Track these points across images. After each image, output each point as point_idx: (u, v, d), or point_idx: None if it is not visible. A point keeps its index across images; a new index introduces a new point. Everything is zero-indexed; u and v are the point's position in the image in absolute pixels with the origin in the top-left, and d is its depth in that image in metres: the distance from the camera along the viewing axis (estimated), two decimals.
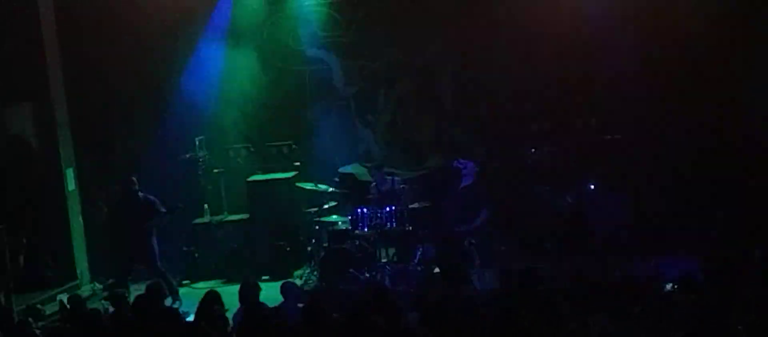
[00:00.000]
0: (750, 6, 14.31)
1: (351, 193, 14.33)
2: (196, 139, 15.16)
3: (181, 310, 11.51)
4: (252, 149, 15.54)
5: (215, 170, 15.22)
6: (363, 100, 16.22)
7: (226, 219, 15.00)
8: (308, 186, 14.12)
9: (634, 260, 12.70)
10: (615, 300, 8.56)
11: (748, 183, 13.99)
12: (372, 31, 15.76)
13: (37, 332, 9.74)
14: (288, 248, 14.41)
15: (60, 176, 14.24)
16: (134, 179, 13.49)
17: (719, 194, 14.53)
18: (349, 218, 13.37)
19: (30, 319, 10.37)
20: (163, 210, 13.37)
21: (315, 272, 13.40)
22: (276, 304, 10.51)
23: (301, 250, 14.47)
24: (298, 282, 13.09)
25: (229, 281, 14.08)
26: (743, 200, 13.86)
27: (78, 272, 14.34)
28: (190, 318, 9.99)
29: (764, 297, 8.36)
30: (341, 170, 15.44)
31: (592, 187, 13.40)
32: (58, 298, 13.07)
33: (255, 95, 15.71)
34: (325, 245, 13.54)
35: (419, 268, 13.12)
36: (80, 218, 14.60)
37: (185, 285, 14.38)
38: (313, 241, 13.79)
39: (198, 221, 15.01)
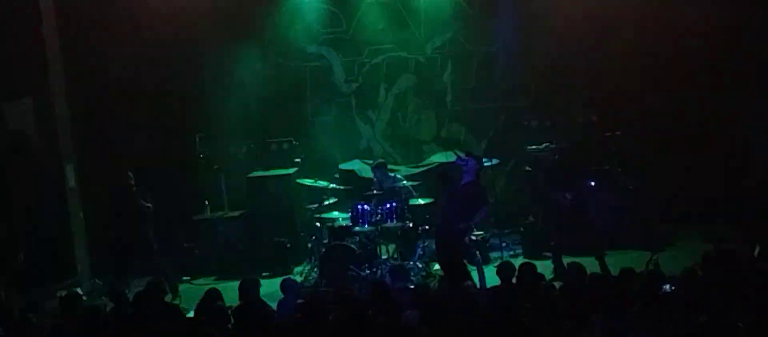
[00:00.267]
0: (749, 4, 14.31)
1: (352, 189, 14.31)
2: (197, 135, 15.15)
3: (181, 306, 11.49)
4: (252, 145, 15.53)
5: (215, 167, 15.21)
6: (363, 96, 16.22)
7: (227, 215, 14.98)
8: (308, 182, 14.12)
9: (632, 256, 12.75)
10: (615, 297, 8.54)
11: (747, 180, 14.00)
12: (372, 27, 15.77)
13: (37, 330, 9.72)
14: (288, 245, 14.41)
15: (60, 171, 14.23)
16: (130, 174, 13.48)
17: (719, 191, 14.56)
18: (350, 214, 13.36)
19: (30, 314, 10.37)
20: (148, 205, 13.41)
21: (315, 269, 13.39)
22: (276, 300, 10.52)
23: (302, 246, 14.47)
24: (298, 279, 13.07)
25: (230, 277, 14.08)
26: (742, 197, 13.86)
27: (78, 268, 14.33)
28: (190, 314, 9.99)
29: (764, 295, 8.34)
30: (342, 166, 15.46)
31: (592, 183, 13.37)
32: (57, 294, 13.05)
33: (256, 91, 15.70)
34: (326, 241, 13.54)
35: (420, 264, 13.13)
36: (80, 214, 14.59)
37: (185, 281, 14.37)
38: (314, 237, 13.78)
39: (198, 217, 15.00)
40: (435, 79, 16.12)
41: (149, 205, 13.43)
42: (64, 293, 12.49)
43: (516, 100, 15.69)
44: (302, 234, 14.54)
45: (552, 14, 15.03)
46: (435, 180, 14.26)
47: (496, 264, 11.47)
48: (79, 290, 12.56)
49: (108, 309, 10.60)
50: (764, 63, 14.35)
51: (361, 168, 15.24)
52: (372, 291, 9.61)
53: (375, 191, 13.34)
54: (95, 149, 15.09)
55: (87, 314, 9.69)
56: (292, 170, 14.84)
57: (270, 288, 11.89)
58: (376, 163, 14.16)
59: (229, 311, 9.25)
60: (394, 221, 13.17)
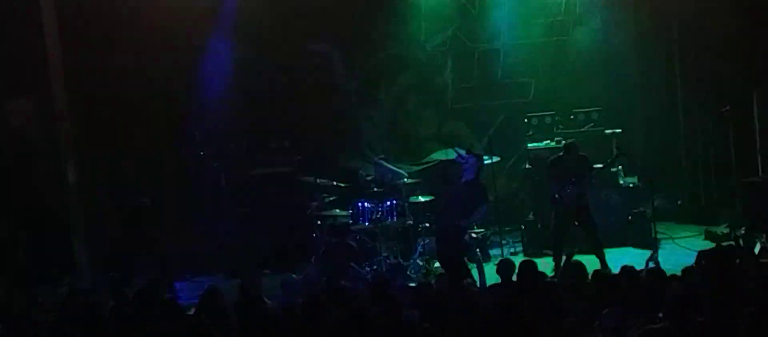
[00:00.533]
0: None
1: (352, 187, 14.30)
2: (197, 133, 15.13)
3: (180, 303, 11.48)
4: (252, 143, 15.51)
5: (216, 165, 15.19)
6: (364, 94, 16.21)
7: (227, 214, 14.97)
8: (309, 180, 14.10)
9: (633, 254, 12.76)
10: (615, 295, 8.54)
11: (748, 178, 13.99)
12: (373, 24, 15.77)
13: (37, 326, 9.72)
14: (288, 242, 14.40)
15: (60, 169, 14.22)
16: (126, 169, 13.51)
17: (720, 190, 14.56)
18: (350, 211, 13.35)
19: (31, 311, 10.38)
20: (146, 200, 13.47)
21: (315, 267, 13.38)
22: (276, 298, 10.51)
23: (302, 244, 14.46)
24: (299, 277, 13.06)
25: (230, 275, 14.09)
26: (743, 195, 13.85)
27: (78, 265, 14.32)
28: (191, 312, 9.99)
29: (764, 294, 8.34)
30: (342, 164, 15.45)
31: (593, 181, 13.38)
32: (57, 291, 13.05)
33: (256, 89, 15.69)
34: (326, 239, 13.54)
35: (420, 262, 13.12)
36: (81, 211, 14.57)
37: (186, 279, 14.37)
38: (314, 235, 13.77)
39: (199, 214, 14.97)
40: (435, 76, 16.12)
41: (146, 200, 13.45)
42: (64, 290, 12.52)
43: (516, 97, 15.68)
44: (302, 232, 14.52)
45: (552, 12, 15.05)
46: (435, 178, 14.27)
47: (497, 262, 11.47)
48: (79, 287, 12.58)
49: (108, 306, 10.61)
50: (766, 61, 14.34)
51: (362, 166, 15.23)
52: (372, 288, 9.62)
53: (375, 189, 13.33)
54: (95, 147, 15.07)
55: (87, 311, 9.68)
56: (292, 168, 14.82)
57: (270, 286, 11.89)
58: (377, 158, 14.16)
59: (230, 309, 9.26)
60: (395, 219, 13.17)
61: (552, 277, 11.07)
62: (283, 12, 15.48)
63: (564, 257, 11.83)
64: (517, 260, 10.26)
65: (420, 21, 15.87)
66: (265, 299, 10.27)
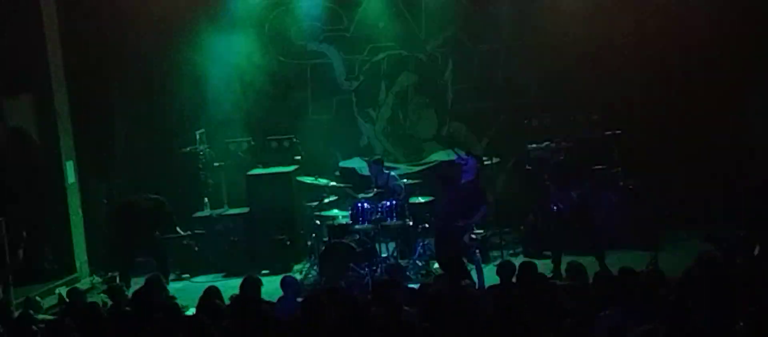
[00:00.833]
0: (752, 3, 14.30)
1: (351, 187, 14.30)
2: (197, 132, 15.14)
3: (179, 303, 11.47)
4: (252, 143, 15.51)
5: (216, 164, 15.19)
6: (364, 94, 16.21)
7: (226, 213, 14.97)
8: (308, 180, 14.10)
9: (632, 256, 12.74)
10: (615, 297, 8.53)
11: (748, 180, 13.99)
12: (373, 25, 15.76)
13: (36, 326, 9.70)
14: (288, 242, 14.39)
15: (60, 168, 14.21)
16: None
17: (719, 191, 14.54)
18: (350, 212, 13.35)
19: (29, 312, 10.37)
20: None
21: (315, 267, 13.38)
22: (276, 298, 10.50)
23: (301, 244, 14.45)
24: (298, 276, 13.07)
25: (229, 274, 14.08)
26: (743, 197, 13.84)
27: (77, 265, 14.31)
28: (190, 312, 9.98)
29: (764, 296, 8.33)
30: (342, 164, 15.45)
31: (593, 182, 13.37)
32: (56, 291, 13.05)
33: (256, 89, 15.69)
34: (325, 239, 13.53)
35: (419, 263, 13.12)
36: (80, 211, 14.57)
37: (185, 279, 14.37)
38: (314, 235, 13.77)
39: (198, 214, 14.98)
40: (436, 77, 16.11)
41: (145, 200, 13.47)
42: (63, 290, 12.52)
43: (516, 98, 15.68)
44: (302, 232, 14.53)
45: (553, 12, 15.03)
46: (435, 179, 14.26)
47: (496, 263, 11.46)
48: (78, 287, 12.58)
49: (106, 306, 10.61)
50: (765, 63, 14.33)
51: (362, 166, 15.23)
52: (372, 289, 9.61)
53: (375, 190, 13.32)
54: (95, 146, 15.07)
55: (86, 311, 9.67)
56: (292, 168, 14.82)
57: (270, 286, 11.87)
58: (373, 159, 14.16)
59: (229, 309, 9.25)
60: (394, 219, 13.17)
61: (551, 278, 11.07)
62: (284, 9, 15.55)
63: (563, 259, 11.83)
64: (517, 261, 10.27)
65: (421, 21, 15.86)
66: (265, 300, 10.29)
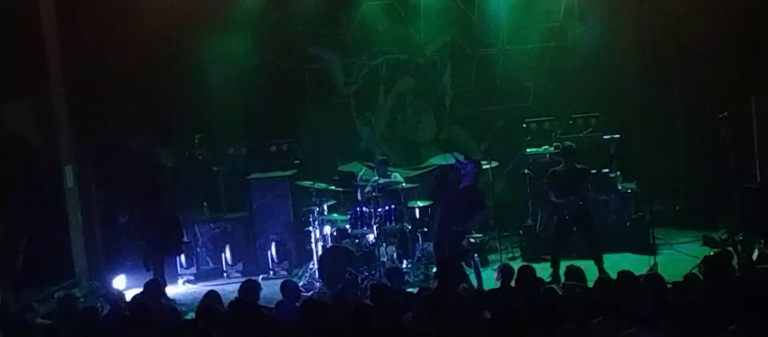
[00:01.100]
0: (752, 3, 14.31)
1: (351, 191, 14.30)
2: (196, 136, 15.14)
3: (179, 308, 11.48)
4: (251, 147, 15.50)
5: (214, 168, 15.19)
6: (362, 98, 16.21)
7: (226, 217, 14.96)
8: (307, 184, 14.10)
9: (631, 260, 12.75)
10: (614, 301, 8.53)
11: (747, 183, 13.99)
12: (372, 29, 15.77)
13: (34, 330, 9.71)
14: (286, 246, 14.38)
15: (59, 172, 14.20)
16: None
17: (719, 194, 14.55)
18: (349, 216, 13.35)
19: (27, 316, 10.37)
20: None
21: (314, 271, 13.38)
22: (275, 302, 10.50)
23: (300, 248, 14.44)
24: (297, 281, 13.05)
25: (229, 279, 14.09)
26: (743, 199, 13.84)
27: (76, 269, 14.30)
28: (189, 317, 9.99)
29: (763, 298, 8.34)
30: (341, 168, 15.44)
31: (591, 186, 13.37)
32: (55, 296, 13.03)
33: (255, 93, 15.69)
34: (324, 243, 13.52)
35: (418, 266, 13.11)
36: (79, 216, 14.56)
37: (185, 283, 14.36)
38: (313, 239, 13.75)
39: (197, 218, 14.96)
40: (434, 81, 16.12)
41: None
42: (61, 294, 12.50)
43: (515, 102, 15.69)
44: (301, 236, 14.52)
45: (551, 15, 15.06)
46: (434, 183, 14.26)
47: (495, 267, 11.46)
48: (76, 292, 12.58)
49: (105, 311, 10.60)
50: (765, 63, 14.33)
51: (360, 170, 15.23)
52: (371, 294, 9.61)
53: (374, 194, 13.32)
54: (94, 150, 15.06)
55: (84, 315, 9.67)
56: (290, 172, 14.82)
57: (269, 290, 11.88)
58: (380, 158, 14.22)
59: (229, 313, 9.26)
60: (393, 223, 13.17)
61: (550, 282, 11.07)
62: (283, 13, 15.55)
63: (562, 263, 11.84)
64: (516, 265, 10.27)
65: (419, 25, 15.87)
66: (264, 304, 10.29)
